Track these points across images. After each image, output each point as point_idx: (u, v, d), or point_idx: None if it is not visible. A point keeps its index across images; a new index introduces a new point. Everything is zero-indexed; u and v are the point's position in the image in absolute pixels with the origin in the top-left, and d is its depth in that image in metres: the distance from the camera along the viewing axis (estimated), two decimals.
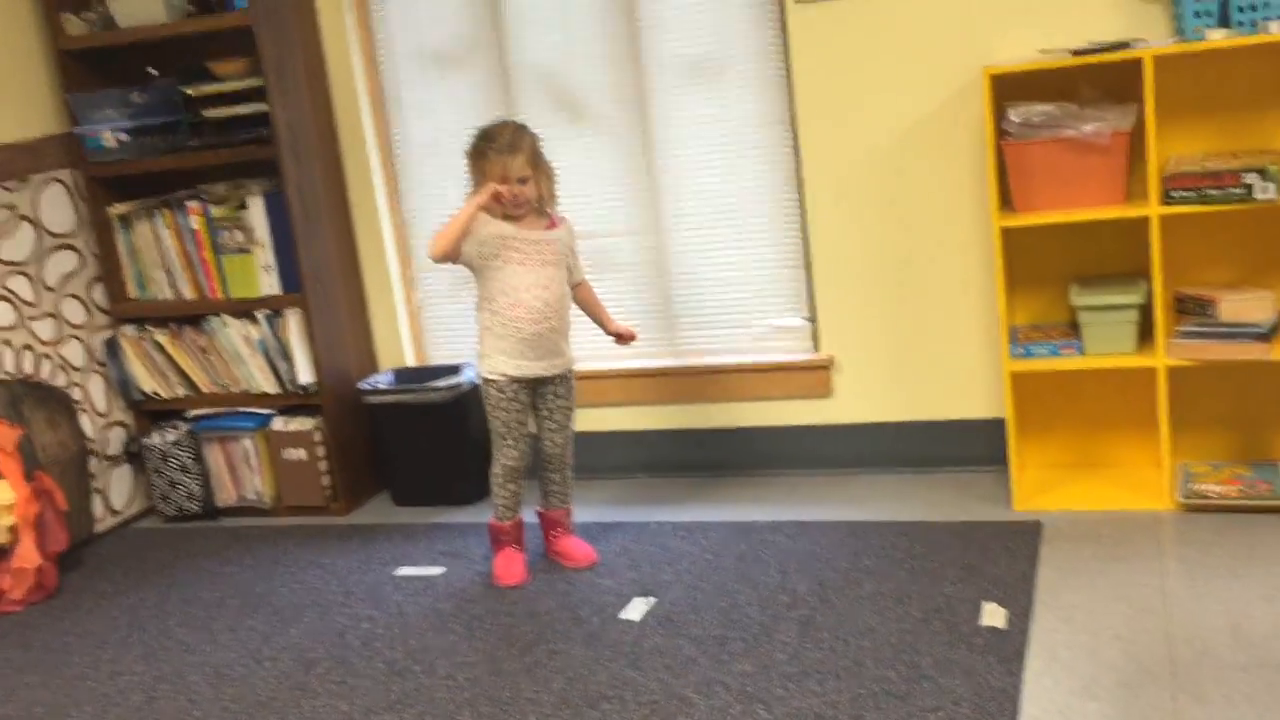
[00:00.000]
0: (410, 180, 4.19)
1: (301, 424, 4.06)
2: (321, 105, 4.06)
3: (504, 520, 3.36)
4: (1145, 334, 3.24)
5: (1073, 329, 3.34)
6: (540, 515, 3.46)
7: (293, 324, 3.98)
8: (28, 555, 3.52)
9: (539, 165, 3.15)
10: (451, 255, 3.14)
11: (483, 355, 3.23)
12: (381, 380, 4.09)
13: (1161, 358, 3.19)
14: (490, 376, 3.20)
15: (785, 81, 3.68)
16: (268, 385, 4.08)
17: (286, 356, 4.01)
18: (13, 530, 3.52)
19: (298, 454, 4.06)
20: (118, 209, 4.10)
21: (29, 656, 3.23)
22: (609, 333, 3.37)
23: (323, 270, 4.04)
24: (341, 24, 4.03)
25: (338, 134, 4.13)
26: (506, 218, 3.15)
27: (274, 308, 4.00)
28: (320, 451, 4.05)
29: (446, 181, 4.04)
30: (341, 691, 2.81)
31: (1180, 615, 2.68)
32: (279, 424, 4.09)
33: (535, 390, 3.25)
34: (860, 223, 3.66)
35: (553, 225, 3.21)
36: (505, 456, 3.28)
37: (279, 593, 3.46)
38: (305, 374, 4.01)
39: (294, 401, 4.07)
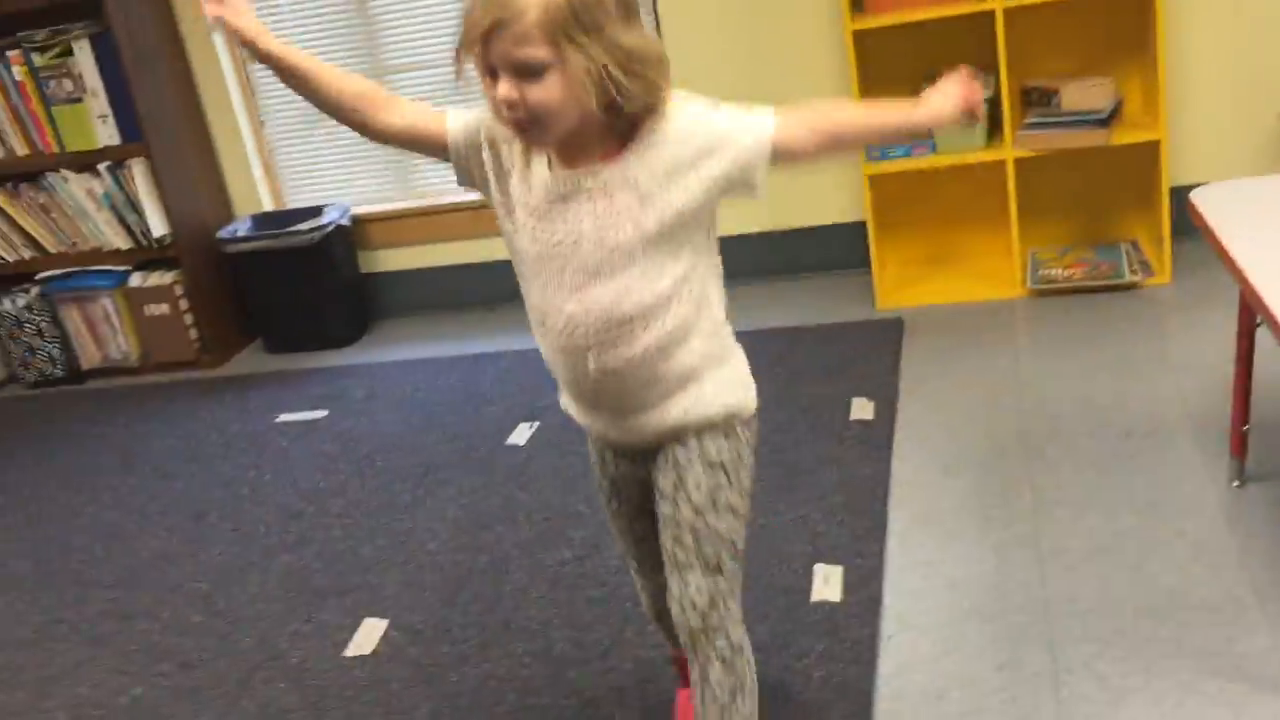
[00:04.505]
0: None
1: (161, 278, 3.95)
2: None
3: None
4: (995, 129, 3.34)
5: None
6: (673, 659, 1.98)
7: (138, 174, 3.82)
8: None
9: (574, 36, 1.36)
10: None
11: None
12: (240, 228, 3.99)
13: (1009, 150, 3.30)
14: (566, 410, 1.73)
15: None
16: (120, 241, 3.93)
17: (136, 209, 3.86)
18: None
19: (160, 309, 3.96)
20: None
21: None
22: (932, 120, 1.65)
23: (163, 116, 3.86)
24: None
25: None
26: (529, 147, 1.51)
27: (116, 159, 3.83)
28: (183, 305, 3.96)
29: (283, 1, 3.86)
30: (237, 539, 2.83)
31: (1032, 393, 2.86)
32: (137, 280, 3.97)
33: (646, 461, 1.66)
34: (711, 35, 3.64)
35: (613, 155, 1.47)
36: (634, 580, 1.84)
37: (158, 450, 3.43)
38: (158, 226, 3.87)
39: (150, 256, 3.94)
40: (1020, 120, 3.33)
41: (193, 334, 3.99)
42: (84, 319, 4.03)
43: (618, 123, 1.45)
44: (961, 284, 3.55)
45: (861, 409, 2.90)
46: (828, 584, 2.25)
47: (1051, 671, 1.93)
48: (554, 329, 1.55)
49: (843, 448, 2.74)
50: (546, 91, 1.38)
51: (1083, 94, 3.29)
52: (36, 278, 4.04)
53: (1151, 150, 3.27)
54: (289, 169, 4.18)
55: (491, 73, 1.39)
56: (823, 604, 2.19)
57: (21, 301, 3.98)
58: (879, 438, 2.76)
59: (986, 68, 3.32)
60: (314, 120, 3.88)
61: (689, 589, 1.58)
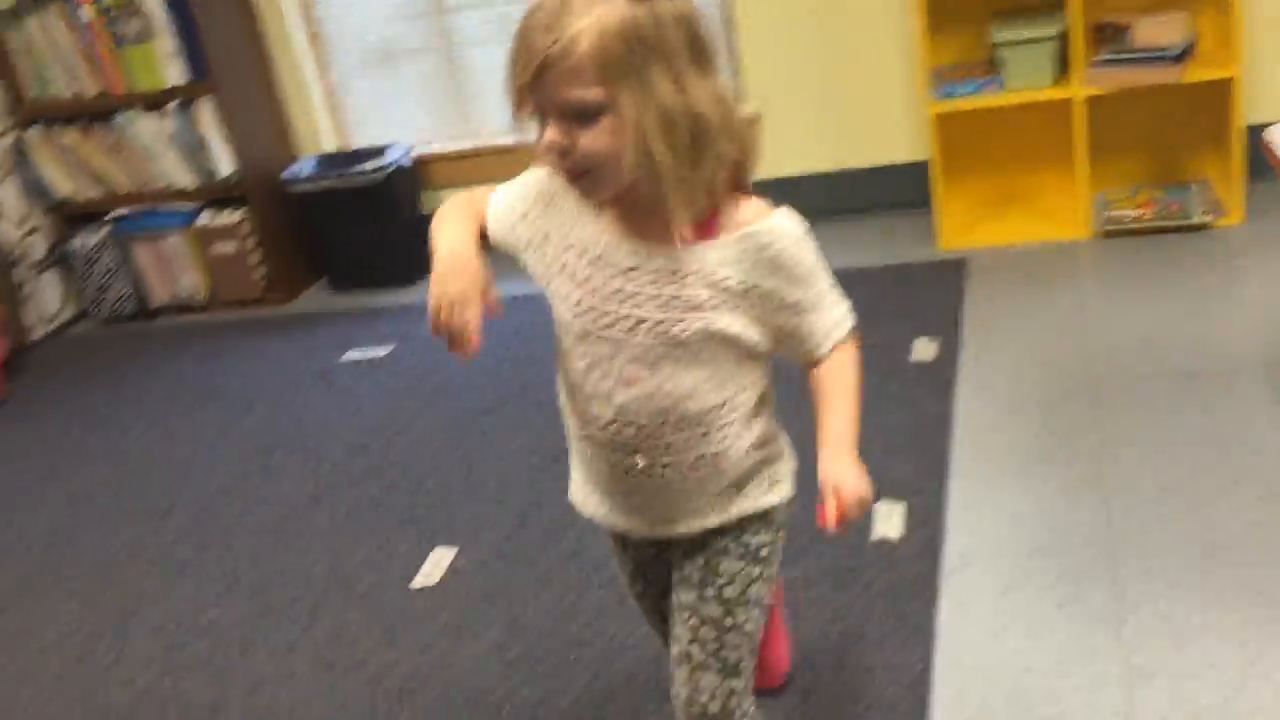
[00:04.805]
0: None
1: (228, 217, 4.00)
2: None
3: None
4: (1064, 66, 3.29)
5: (993, 66, 3.37)
6: None
7: (206, 114, 3.87)
8: None
9: (629, 75, 1.19)
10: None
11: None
12: (305, 167, 4.03)
13: (1078, 88, 3.24)
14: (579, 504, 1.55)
15: None
16: (188, 180, 3.99)
17: (203, 148, 3.92)
18: None
19: (228, 247, 4.02)
20: (2, 3, 3.89)
21: None
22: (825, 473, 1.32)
23: (230, 55, 3.90)
24: None
25: None
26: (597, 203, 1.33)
27: (184, 98, 3.88)
28: (250, 243, 4.02)
29: None
30: (306, 471, 2.90)
31: (1096, 335, 2.83)
32: (205, 219, 4.03)
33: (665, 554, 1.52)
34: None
35: (697, 234, 1.29)
36: None
37: (228, 385, 3.50)
38: (225, 165, 3.93)
39: (218, 195, 4.00)
40: (1090, 57, 3.27)
41: (259, 272, 4.05)
42: (153, 257, 4.11)
43: (708, 198, 1.25)
44: (1027, 225, 3.51)
45: (923, 350, 2.89)
46: (888, 521, 2.26)
47: (1115, 610, 1.94)
48: (598, 420, 1.37)
49: (904, 387, 2.74)
50: (596, 139, 1.19)
51: (1155, 30, 3.21)
52: (107, 216, 4.12)
53: (1225, 88, 3.19)
54: (353, 109, 4.21)
55: (543, 115, 1.22)
56: (883, 541, 2.21)
57: (93, 240, 4.07)
58: (941, 378, 2.75)
59: (1056, 4, 3.26)
60: (378, 60, 3.90)
61: (700, 693, 1.41)
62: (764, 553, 1.44)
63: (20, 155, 4.03)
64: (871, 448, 2.48)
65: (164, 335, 4.02)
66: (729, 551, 1.41)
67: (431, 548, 2.47)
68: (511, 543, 2.44)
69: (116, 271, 4.09)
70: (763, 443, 1.42)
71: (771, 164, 4.22)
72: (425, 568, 2.41)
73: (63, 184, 4.07)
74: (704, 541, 1.42)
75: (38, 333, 4.09)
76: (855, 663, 1.92)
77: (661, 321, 1.29)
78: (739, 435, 1.38)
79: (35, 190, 4.07)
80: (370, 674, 2.13)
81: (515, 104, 1.22)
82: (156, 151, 3.97)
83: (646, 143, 1.18)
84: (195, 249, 4.06)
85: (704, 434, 1.35)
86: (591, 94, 1.18)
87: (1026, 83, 3.30)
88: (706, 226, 1.28)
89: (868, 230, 3.71)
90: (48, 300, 4.15)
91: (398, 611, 2.29)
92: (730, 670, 1.41)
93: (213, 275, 4.09)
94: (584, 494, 1.51)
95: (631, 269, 1.29)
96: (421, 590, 2.34)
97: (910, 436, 2.53)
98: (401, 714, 2.02)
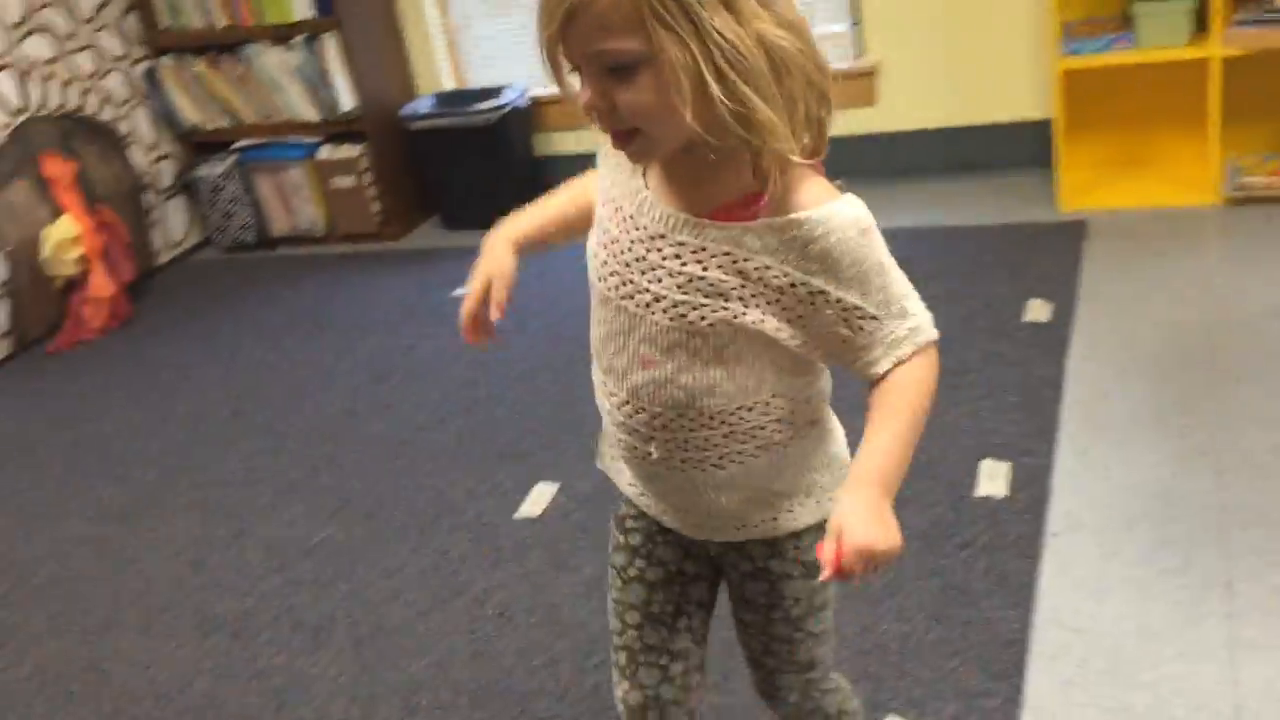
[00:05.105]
0: None
1: (347, 151, 4.08)
2: None
3: None
4: (1201, 25, 3.17)
5: (1125, 22, 3.26)
6: None
7: (330, 49, 3.94)
8: (101, 285, 3.66)
9: (670, 16, 0.98)
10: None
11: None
12: (423, 105, 4.08)
13: (1216, 47, 3.13)
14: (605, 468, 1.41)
15: None
16: (310, 113, 4.08)
17: (326, 83, 4.00)
18: (82, 261, 3.64)
19: (346, 181, 4.11)
20: None
21: (115, 379, 3.41)
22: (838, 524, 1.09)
23: None
24: None
25: None
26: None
27: (310, 32, 3.95)
28: (367, 178, 4.10)
29: None
30: (415, 402, 2.97)
31: (1220, 303, 2.75)
32: (325, 152, 4.12)
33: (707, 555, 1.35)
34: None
35: (738, 211, 1.09)
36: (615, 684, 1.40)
37: (342, 315, 3.59)
38: (346, 100, 4.00)
39: (338, 129, 4.08)
40: (1230, 16, 3.15)
41: (375, 207, 4.14)
42: (275, 188, 4.22)
43: (762, 167, 1.05)
44: (1152, 188, 3.41)
45: (1037, 311, 2.84)
46: (993, 480, 2.24)
47: (1223, 581, 1.90)
48: (614, 398, 1.22)
49: (1016, 348, 2.70)
50: (638, 95, 1.01)
51: None
52: (233, 146, 4.23)
53: None
54: (472, 49, 4.25)
55: (578, 70, 1.05)
56: (987, 499, 2.19)
57: (219, 169, 4.18)
58: (1054, 340, 2.71)
59: None
60: (498, 1, 3.92)
61: (779, 690, 1.37)
62: (794, 591, 1.29)
63: (152, 83, 4.16)
64: (978, 405, 2.48)
65: (282, 265, 4.14)
66: (791, 575, 1.27)
67: (534, 482, 2.52)
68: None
69: (240, 201, 4.21)
70: (813, 458, 1.24)
71: (889, 117, 4.16)
72: (528, 501, 2.46)
73: (191, 113, 4.19)
74: (765, 568, 1.27)
75: (163, 257, 4.24)
76: (952, 616, 1.92)
77: (679, 304, 1.11)
78: (777, 446, 1.19)
79: (165, 118, 4.20)
80: (471, 598, 2.19)
81: (546, 58, 1.06)
82: (281, 84, 4.06)
83: (718, 83, 0.98)
84: (315, 182, 4.15)
85: (727, 435, 1.17)
86: (627, 44, 0.99)
87: (1160, 41, 3.19)
88: (748, 204, 1.07)
89: (985, 188, 3.64)
90: (174, 226, 4.30)
91: (500, 540, 2.35)
92: (805, 666, 1.35)
93: (331, 208, 4.19)
94: (609, 462, 1.36)
95: (658, 236, 1.11)
96: (523, 521, 2.40)
97: (1019, 396, 2.50)
98: (499, 638, 2.08)
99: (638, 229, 1.13)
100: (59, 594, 2.46)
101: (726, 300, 1.09)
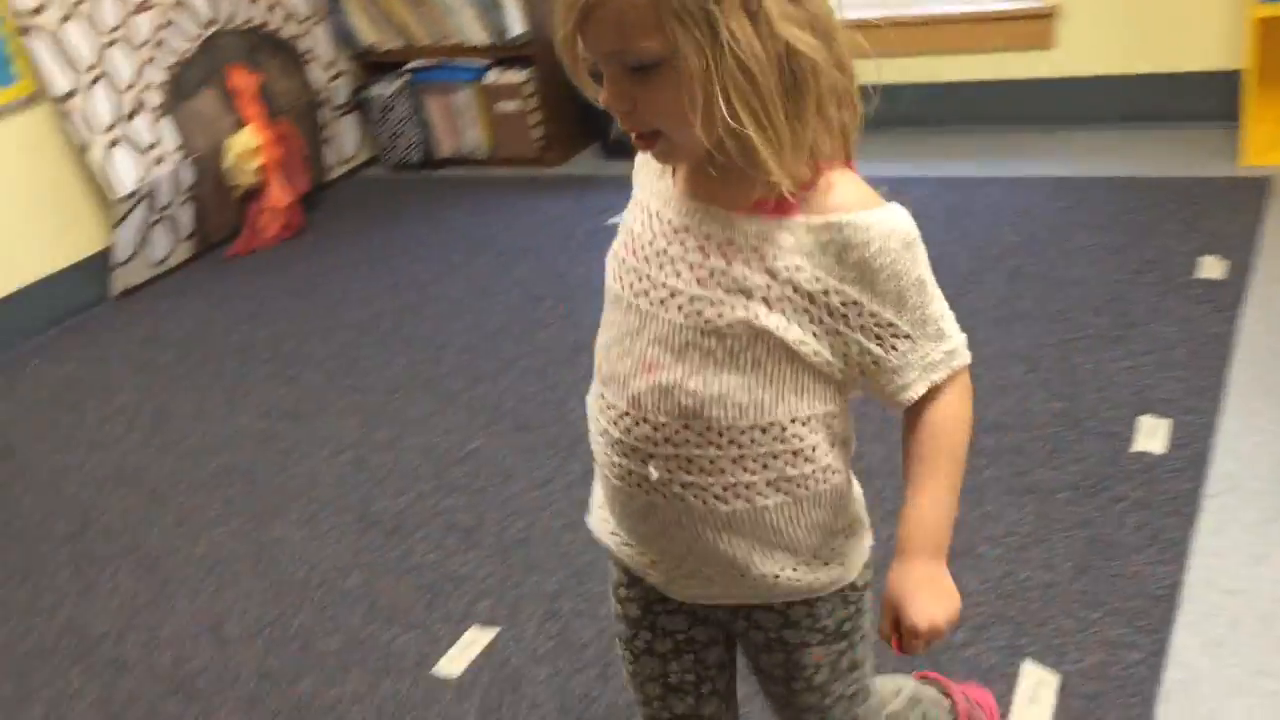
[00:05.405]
0: None
1: (514, 76, 4.15)
2: None
3: None
4: None
5: None
6: None
7: None
8: (278, 195, 3.82)
9: (699, 15, 0.93)
10: None
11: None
12: None
13: None
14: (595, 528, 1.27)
15: None
16: (480, 37, 4.16)
17: (497, 7, 4.06)
18: (261, 171, 3.81)
19: (510, 106, 4.18)
20: None
21: (288, 285, 3.58)
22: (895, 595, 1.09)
23: None
24: None
25: None
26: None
27: None
28: (532, 104, 4.16)
29: None
30: (569, 324, 3.03)
31: None
32: (493, 76, 4.20)
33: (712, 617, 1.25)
34: None
35: (769, 208, 1.03)
36: None
37: (501, 237, 3.68)
38: (516, 25, 4.06)
39: (506, 54, 4.15)
40: None
41: (538, 132, 4.20)
42: (443, 110, 4.32)
43: (815, 161, 1.01)
44: None
45: (1211, 268, 2.74)
46: (1152, 436, 2.19)
47: None
48: (612, 411, 1.11)
49: (1185, 304, 2.61)
50: (658, 96, 0.97)
51: None
52: (404, 67, 4.34)
53: None
54: None
55: (598, 70, 1.01)
56: (1144, 454, 2.15)
57: (391, 89, 4.30)
58: (1227, 299, 2.61)
59: None
60: None
61: None
62: (846, 626, 1.19)
63: (333, 2, 4.28)
64: (1140, 360, 2.41)
65: (446, 185, 4.25)
66: (809, 644, 1.18)
67: None
68: None
69: (409, 120, 4.32)
70: (832, 518, 1.13)
71: (1067, 61, 4.01)
72: None
73: (368, 32, 4.31)
74: (778, 639, 1.18)
75: (335, 173, 4.39)
76: (1100, 569, 1.90)
77: (696, 299, 1.04)
78: (790, 486, 1.08)
79: (343, 37, 4.34)
80: None
81: (564, 54, 1.02)
82: (454, 7, 4.14)
83: (722, 98, 0.94)
84: (481, 105, 4.24)
85: (736, 459, 1.07)
86: (645, 43, 0.94)
87: None
88: (781, 202, 1.01)
89: (1160, 139, 3.50)
90: (346, 143, 4.44)
91: None
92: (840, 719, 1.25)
93: (495, 132, 4.27)
94: (600, 522, 1.23)
95: (683, 230, 1.06)
96: None
97: (1185, 354, 2.42)
98: None
99: (663, 223, 1.07)
100: (230, 482, 2.61)
101: (749, 299, 1.02)
